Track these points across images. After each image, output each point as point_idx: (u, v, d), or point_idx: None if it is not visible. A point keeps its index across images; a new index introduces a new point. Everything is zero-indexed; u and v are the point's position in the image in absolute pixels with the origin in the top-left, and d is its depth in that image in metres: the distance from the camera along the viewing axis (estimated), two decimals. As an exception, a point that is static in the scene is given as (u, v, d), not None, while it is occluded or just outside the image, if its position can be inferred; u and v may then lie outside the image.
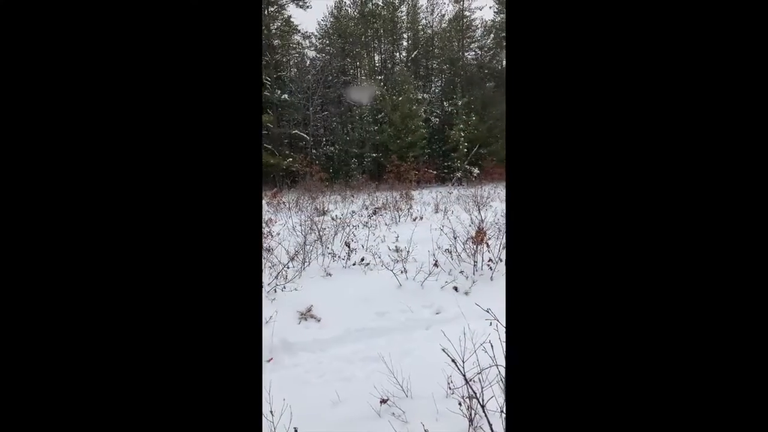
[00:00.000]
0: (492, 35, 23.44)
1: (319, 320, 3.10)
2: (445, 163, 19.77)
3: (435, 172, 18.69)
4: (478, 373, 1.62)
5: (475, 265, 4.00)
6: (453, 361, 1.54)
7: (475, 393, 1.51)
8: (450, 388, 1.90)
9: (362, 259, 4.32)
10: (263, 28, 18.68)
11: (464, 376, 1.52)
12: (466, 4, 23.26)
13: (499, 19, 22.53)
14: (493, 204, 8.64)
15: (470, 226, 4.95)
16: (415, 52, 23.74)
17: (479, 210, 6.77)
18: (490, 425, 1.44)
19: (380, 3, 24.06)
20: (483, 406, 1.45)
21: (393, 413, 1.81)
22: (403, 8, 24.42)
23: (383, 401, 1.88)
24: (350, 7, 24.43)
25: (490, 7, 22.71)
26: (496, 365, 1.57)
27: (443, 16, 25.12)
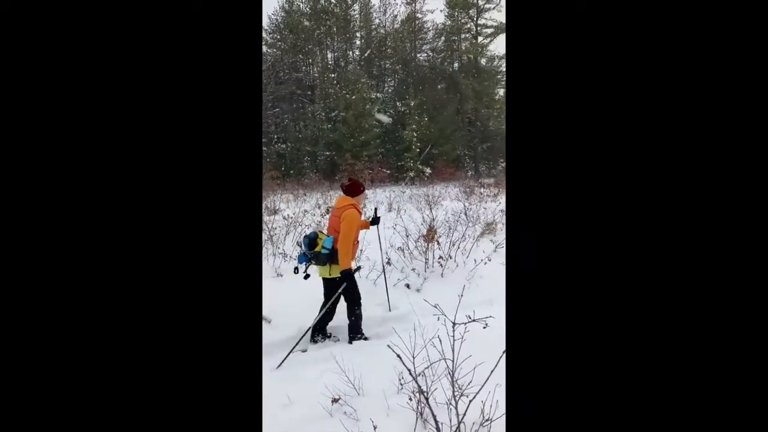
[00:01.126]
0: (443, 38, 24.03)
1: (269, 322, 3.03)
2: (399, 163, 20.01)
3: (388, 172, 18.86)
4: (427, 367, 1.66)
5: (426, 263, 4.09)
6: (398, 356, 1.57)
7: (421, 387, 1.55)
8: (401, 384, 1.93)
9: (315, 259, 4.27)
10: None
11: (410, 371, 1.55)
12: (418, 6, 23.65)
13: (449, 23, 23.13)
14: (444, 203, 8.87)
15: (422, 224, 5.05)
16: (368, 52, 23.79)
17: (431, 209, 6.92)
18: (434, 416, 1.49)
19: (333, 0, 23.84)
20: (427, 399, 1.49)
21: (345, 412, 1.81)
22: (356, 7, 24.37)
23: (335, 401, 1.87)
24: (302, 2, 23.99)
25: (441, 11, 23.27)
26: (444, 359, 1.62)
27: (396, 17, 25.36)
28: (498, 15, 22.40)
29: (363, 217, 3.01)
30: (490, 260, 4.23)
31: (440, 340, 1.75)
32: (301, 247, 2.77)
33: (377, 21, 25.17)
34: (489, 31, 22.67)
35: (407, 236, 4.45)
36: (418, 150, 19.45)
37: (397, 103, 22.42)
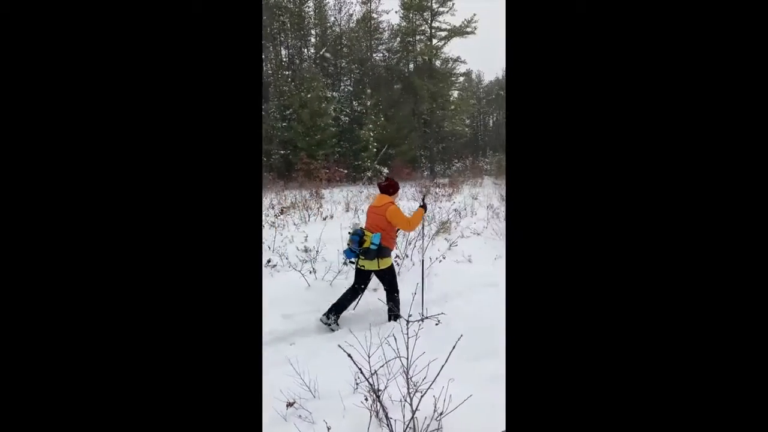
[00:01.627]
0: (398, 39, 24.26)
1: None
2: (356, 162, 19.96)
3: (346, 171, 18.77)
4: (381, 366, 1.67)
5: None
6: (349, 356, 1.58)
7: (372, 386, 1.56)
8: (357, 384, 1.94)
9: (269, 261, 4.17)
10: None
11: (361, 371, 1.56)
12: (373, 6, 23.71)
13: (404, 24, 23.39)
14: (400, 203, 8.97)
15: (379, 224, 5.08)
16: (324, 50, 23.53)
17: (388, 208, 6.97)
18: (386, 414, 1.51)
19: (287, -5, 23.33)
20: (379, 398, 1.51)
21: (300, 416, 1.79)
22: (311, 3, 24.02)
23: (289, 404, 1.84)
24: (254, -4, 23.18)
25: (396, 12, 23.47)
26: (399, 357, 1.64)
27: (351, 15, 25.26)
28: (451, 19, 22.97)
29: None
30: (444, 258, 4.34)
31: (395, 339, 1.77)
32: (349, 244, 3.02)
33: (332, 19, 24.95)
34: (443, 34, 23.19)
35: (364, 236, 4.45)
36: (375, 150, 19.51)
37: (354, 103, 22.37)
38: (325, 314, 2.99)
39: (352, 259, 3.05)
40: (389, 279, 3.07)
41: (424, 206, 3.28)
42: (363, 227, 3.05)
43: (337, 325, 3.00)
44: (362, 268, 3.01)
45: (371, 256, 2.93)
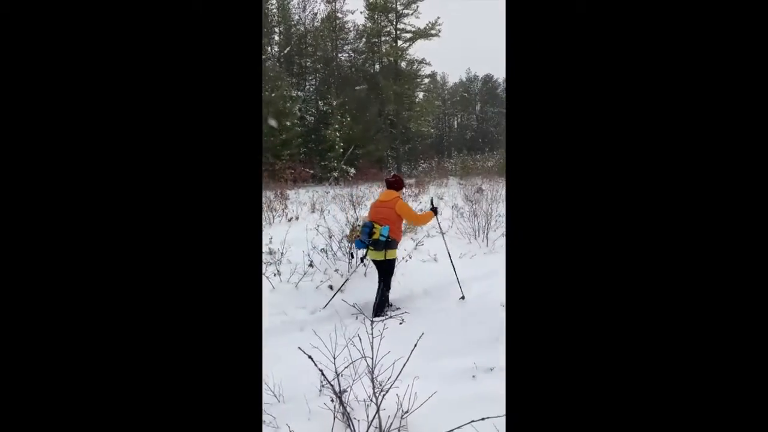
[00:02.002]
0: (364, 39, 24.26)
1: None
2: (322, 163, 19.77)
3: (311, 172, 18.55)
4: (346, 367, 1.67)
5: (349, 263, 4.11)
6: (310, 357, 1.57)
7: (334, 387, 1.55)
8: (322, 386, 1.92)
9: (232, 264, 4.05)
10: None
11: (322, 372, 1.56)
12: (338, 6, 23.58)
13: (369, 24, 23.42)
14: (368, 203, 8.98)
15: (346, 224, 5.06)
16: (288, 49, 23.15)
17: (355, 209, 6.97)
18: (348, 415, 1.50)
19: (249, -8, 22.69)
20: (340, 398, 1.50)
21: (264, 420, 1.75)
22: (274, 1, 23.56)
23: (253, 410, 1.80)
24: (215, -9, 22.46)
25: (361, 12, 23.49)
26: (364, 357, 1.64)
27: (316, 14, 25.01)
28: (416, 21, 23.23)
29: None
30: (411, 258, 4.38)
31: (360, 339, 1.77)
32: (359, 236, 3.26)
33: (297, 17, 24.60)
34: (408, 35, 23.42)
35: (330, 237, 4.42)
36: (341, 150, 19.40)
37: (319, 103, 22.16)
38: (379, 314, 3.14)
39: (360, 249, 3.28)
40: (388, 271, 3.26)
41: (434, 209, 3.50)
42: (371, 220, 3.23)
43: (392, 307, 3.30)
44: (370, 258, 3.24)
45: (380, 247, 3.13)
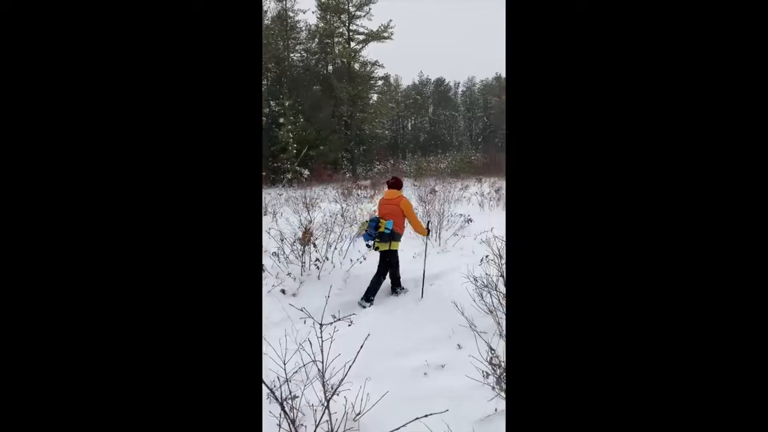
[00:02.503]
0: (317, 40, 24.00)
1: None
2: (275, 164, 19.29)
3: (264, 174, 18.04)
4: (295, 372, 1.64)
5: (303, 266, 4.04)
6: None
7: (275, 394, 1.52)
8: (272, 393, 1.87)
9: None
10: None
11: (263, 382, 1.52)
12: (289, 5, 23.15)
13: (322, 25, 23.21)
14: (322, 204, 8.87)
15: (299, 227, 4.97)
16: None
17: (308, 211, 6.86)
18: (292, 421, 1.48)
19: (194, -14, 21.68)
20: (282, 406, 1.48)
21: (210, 434, 1.68)
22: (222, -3, 22.65)
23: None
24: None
25: (313, 12, 23.21)
26: (314, 361, 1.62)
27: (266, 12, 24.38)
28: (369, 23, 23.33)
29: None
30: (365, 259, 4.38)
31: (310, 343, 1.74)
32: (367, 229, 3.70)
33: (246, 15, 23.82)
34: (361, 37, 23.46)
35: (282, 240, 4.32)
36: (295, 151, 19.05)
37: (271, 103, 21.62)
38: (393, 292, 3.71)
39: (369, 242, 3.70)
40: (390, 261, 3.67)
41: (428, 229, 4.01)
42: (377, 216, 3.69)
43: (403, 289, 3.78)
44: (376, 249, 3.64)
45: (386, 239, 3.59)
